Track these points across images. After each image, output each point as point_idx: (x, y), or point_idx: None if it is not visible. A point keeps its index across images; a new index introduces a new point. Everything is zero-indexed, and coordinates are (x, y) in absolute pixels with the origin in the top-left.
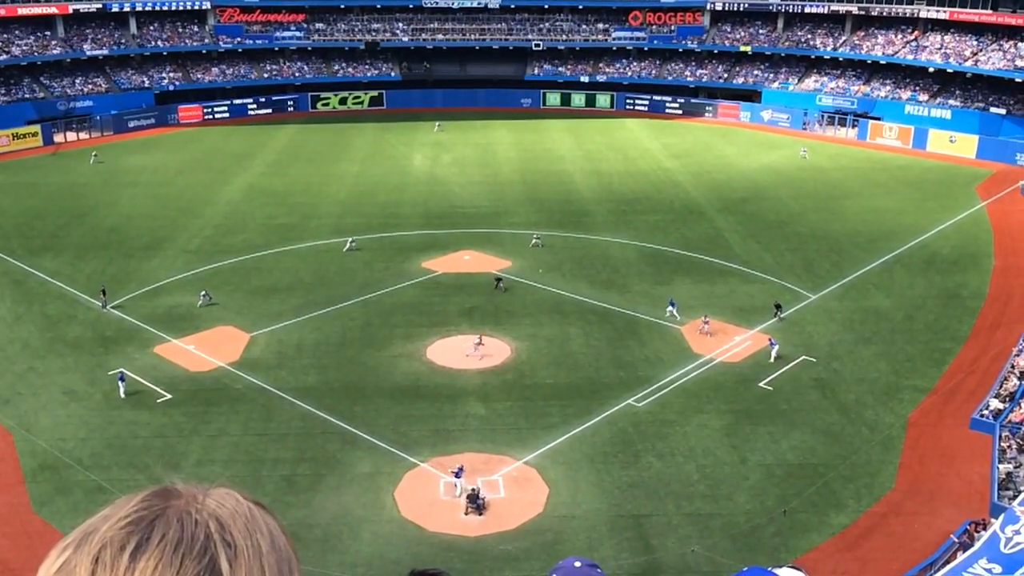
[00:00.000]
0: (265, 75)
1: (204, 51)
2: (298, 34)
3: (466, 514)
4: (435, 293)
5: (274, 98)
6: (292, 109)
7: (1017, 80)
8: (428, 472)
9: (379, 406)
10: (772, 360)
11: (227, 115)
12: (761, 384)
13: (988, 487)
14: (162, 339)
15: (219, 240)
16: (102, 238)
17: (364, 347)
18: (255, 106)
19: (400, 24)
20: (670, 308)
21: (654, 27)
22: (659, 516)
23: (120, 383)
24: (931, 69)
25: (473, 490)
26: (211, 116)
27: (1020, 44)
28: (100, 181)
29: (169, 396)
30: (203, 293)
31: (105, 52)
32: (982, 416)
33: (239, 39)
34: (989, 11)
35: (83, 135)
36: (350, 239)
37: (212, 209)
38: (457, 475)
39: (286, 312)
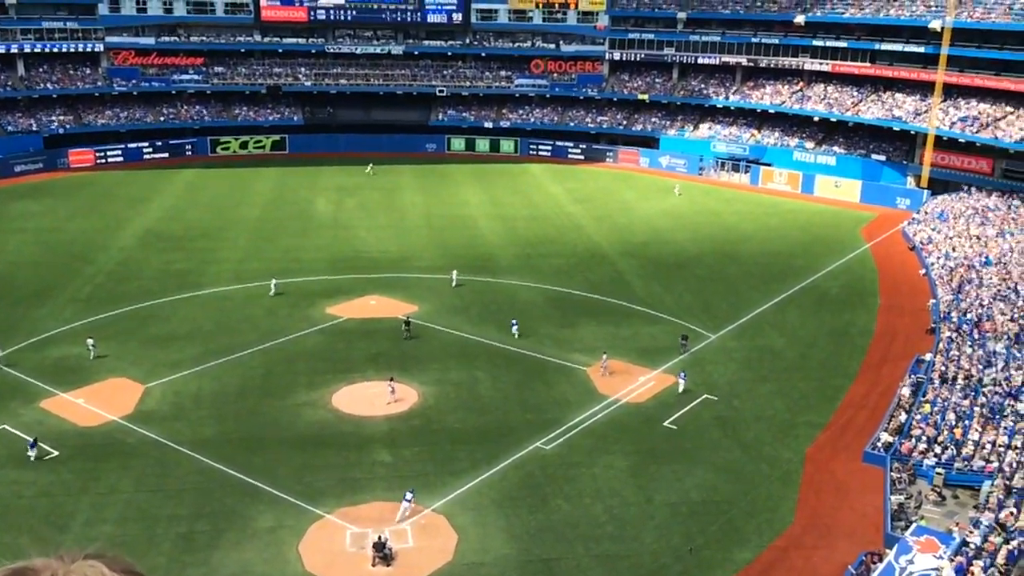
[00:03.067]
0: (162, 118)
1: (97, 94)
2: (196, 77)
3: (373, 565)
4: (340, 339)
5: (171, 142)
6: (190, 153)
7: (895, 129)
8: (334, 523)
9: (282, 457)
10: (681, 392)
11: (121, 159)
12: (665, 423)
13: (882, 518)
14: (49, 392)
15: (113, 287)
16: None
17: (266, 396)
18: (151, 150)
19: (303, 68)
20: (514, 326)
21: (555, 75)
22: (568, 559)
23: (30, 450)
24: (816, 118)
25: (380, 539)
26: (104, 160)
27: (897, 95)
28: None
29: (56, 452)
30: (90, 342)
31: None
32: (874, 450)
33: (134, 81)
34: (868, 64)
35: None
36: (273, 281)
37: (105, 255)
38: (407, 499)
39: (184, 362)
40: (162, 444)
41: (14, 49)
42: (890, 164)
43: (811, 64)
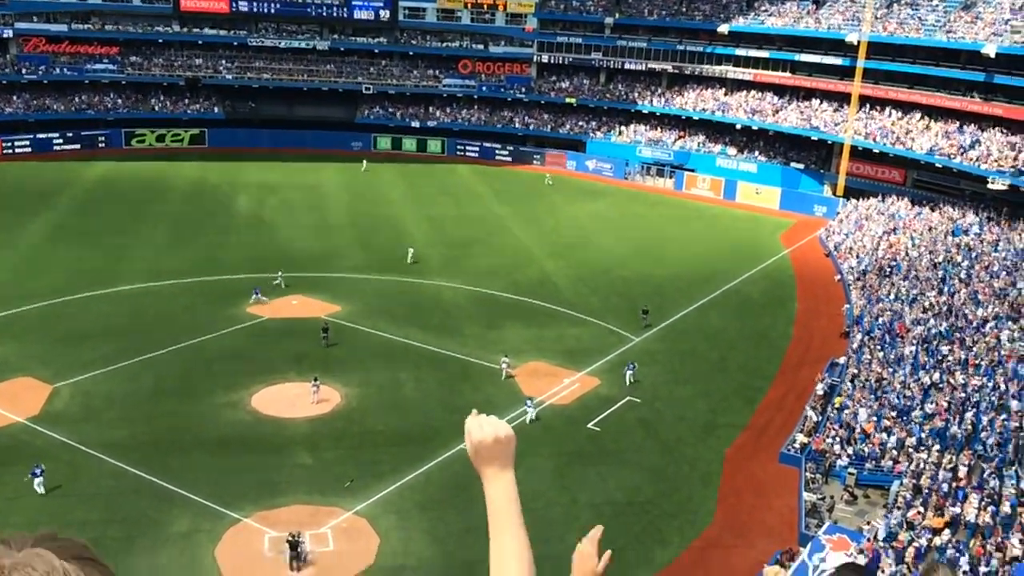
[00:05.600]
0: (73, 108)
1: (4, 81)
2: (111, 67)
3: (292, 569)
4: (261, 339)
5: (83, 133)
6: (104, 145)
7: (813, 138)
8: (252, 527)
9: (198, 460)
10: (628, 383)
11: (29, 150)
12: (589, 425)
13: (796, 518)
14: None
15: (19, 284)
16: None
17: (182, 397)
18: (62, 141)
19: (224, 61)
20: (255, 295)
21: (484, 76)
22: None
23: (36, 479)
24: (738, 126)
25: (291, 536)
26: (11, 151)
27: (815, 104)
28: None
29: None
30: None
31: None
32: (789, 450)
33: (44, 68)
34: (788, 74)
35: None
36: (255, 291)
37: (12, 252)
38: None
39: (95, 361)
40: (71, 447)
41: None
42: (808, 172)
43: (734, 72)
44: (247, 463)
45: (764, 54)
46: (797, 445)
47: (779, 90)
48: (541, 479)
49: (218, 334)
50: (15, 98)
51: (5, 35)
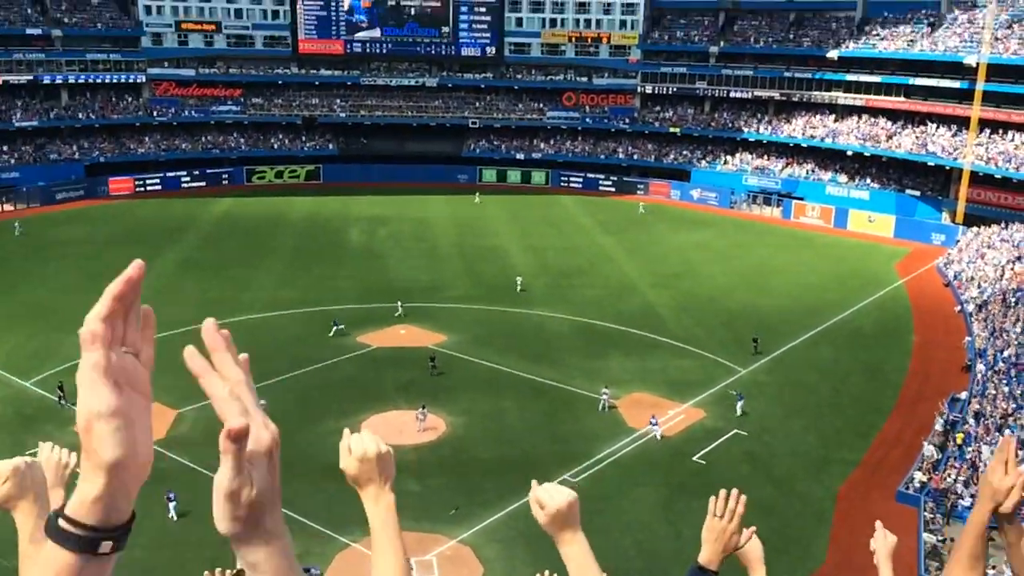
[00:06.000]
0: (200, 148)
1: (138, 123)
2: (235, 108)
3: None
4: (371, 368)
5: (208, 171)
6: (227, 182)
7: (929, 164)
8: (360, 552)
9: (311, 484)
10: (739, 414)
11: (160, 187)
12: (694, 458)
13: (915, 559)
14: None
15: None
16: (24, 312)
17: (296, 423)
18: (189, 179)
19: (338, 100)
20: (335, 326)
21: (587, 107)
22: None
23: (170, 503)
24: (849, 152)
25: None
26: (143, 188)
27: (931, 129)
28: (24, 253)
29: None
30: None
31: (35, 123)
32: (907, 488)
33: (174, 111)
34: (902, 99)
35: (7, 206)
36: (335, 323)
37: (143, 284)
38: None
39: None
40: (193, 469)
41: (59, 80)
42: (925, 199)
43: (844, 98)
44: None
45: (876, 79)
46: (916, 483)
47: (892, 115)
48: (646, 511)
49: (330, 362)
50: (147, 139)
51: (139, 80)
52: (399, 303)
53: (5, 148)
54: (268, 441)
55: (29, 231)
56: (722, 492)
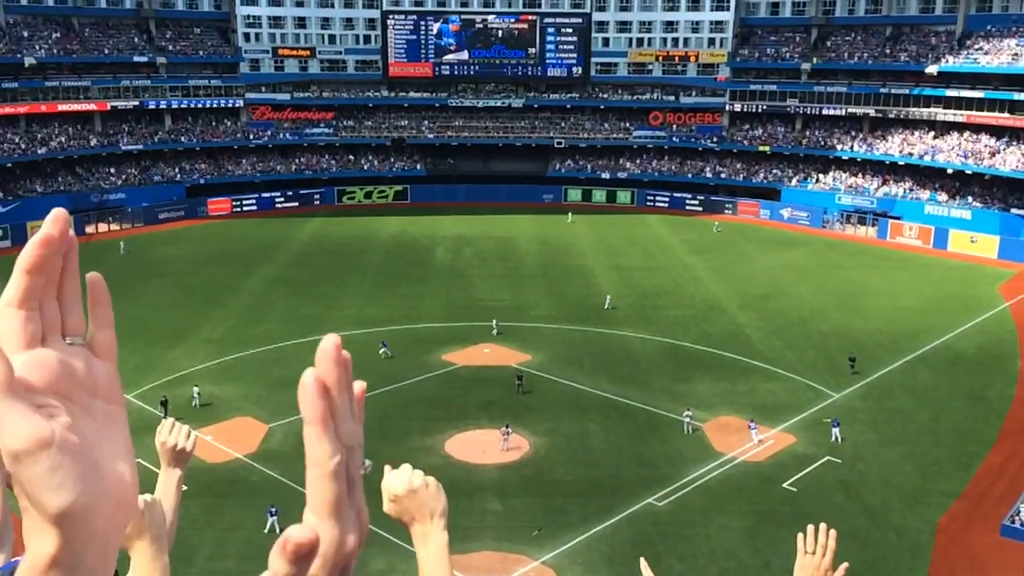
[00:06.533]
0: (293, 169)
1: (236, 146)
2: (327, 131)
3: None
4: (454, 386)
5: (301, 192)
6: (318, 202)
7: None
8: None
9: None
10: (834, 440)
11: (255, 208)
12: (784, 485)
13: None
14: None
15: (241, 331)
16: (127, 327)
17: (382, 440)
18: (283, 199)
19: (426, 122)
20: (384, 348)
21: (674, 126)
22: None
23: (271, 518)
24: (949, 170)
25: None
26: (240, 208)
27: None
28: (128, 272)
29: (185, 487)
30: (196, 390)
31: (140, 147)
32: (1013, 522)
33: (270, 134)
34: (1006, 114)
35: (114, 226)
36: (383, 345)
37: (236, 299)
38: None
39: None
40: (283, 484)
41: (163, 105)
42: None
43: (943, 115)
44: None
45: (978, 94)
46: (1022, 517)
47: (996, 131)
48: (732, 539)
49: (414, 380)
50: (244, 161)
51: (237, 105)
52: (494, 321)
53: (112, 171)
54: (351, 546)
55: (133, 250)
56: (810, 528)
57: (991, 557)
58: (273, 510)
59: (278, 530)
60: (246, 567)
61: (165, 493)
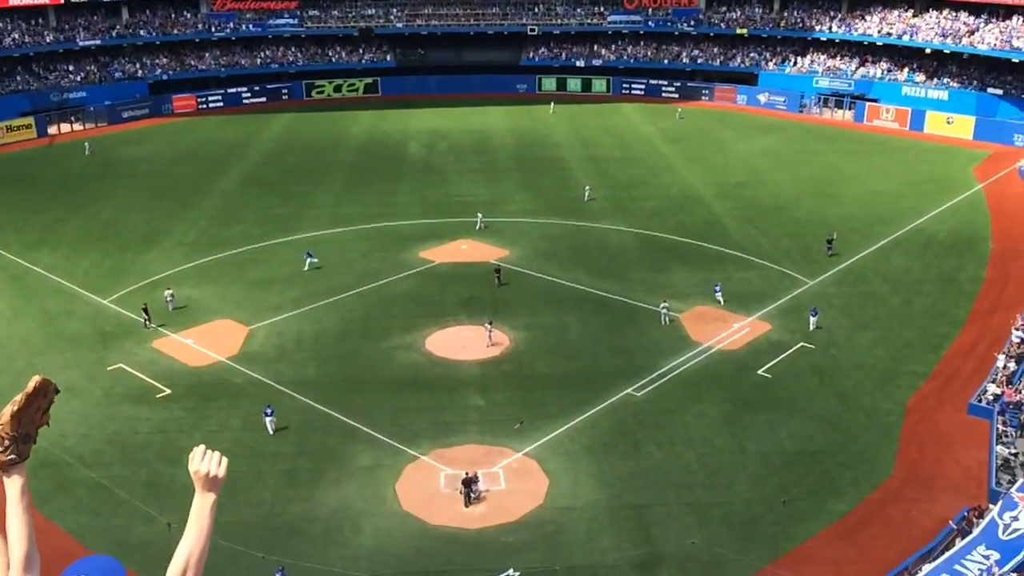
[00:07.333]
0: (259, 63)
1: (197, 39)
2: (292, 21)
3: (466, 506)
4: (433, 283)
5: (268, 86)
6: (287, 97)
7: (1014, 60)
8: (429, 464)
9: (378, 398)
10: (812, 329)
11: (221, 104)
12: (759, 372)
13: (986, 473)
14: (160, 334)
15: (215, 232)
16: (98, 231)
17: (363, 339)
18: (249, 95)
19: (394, 10)
20: (308, 257)
21: (650, 10)
22: (659, 506)
23: (267, 419)
24: (927, 50)
25: (467, 475)
26: (205, 105)
27: (1016, 23)
28: (95, 173)
29: (168, 391)
30: (168, 293)
31: (98, 42)
32: (980, 401)
33: (232, 26)
34: None
35: (77, 126)
36: (307, 255)
37: (207, 200)
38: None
39: (284, 304)
40: (266, 384)
41: None
42: (1008, 98)
43: None
44: (423, 403)
45: None
46: (989, 396)
47: (974, 8)
48: (709, 425)
49: (393, 278)
50: (207, 55)
51: None
52: (479, 215)
53: (71, 68)
54: None
55: (98, 150)
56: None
57: (958, 435)
58: (269, 410)
59: (273, 429)
60: (233, 466)
61: (199, 516)
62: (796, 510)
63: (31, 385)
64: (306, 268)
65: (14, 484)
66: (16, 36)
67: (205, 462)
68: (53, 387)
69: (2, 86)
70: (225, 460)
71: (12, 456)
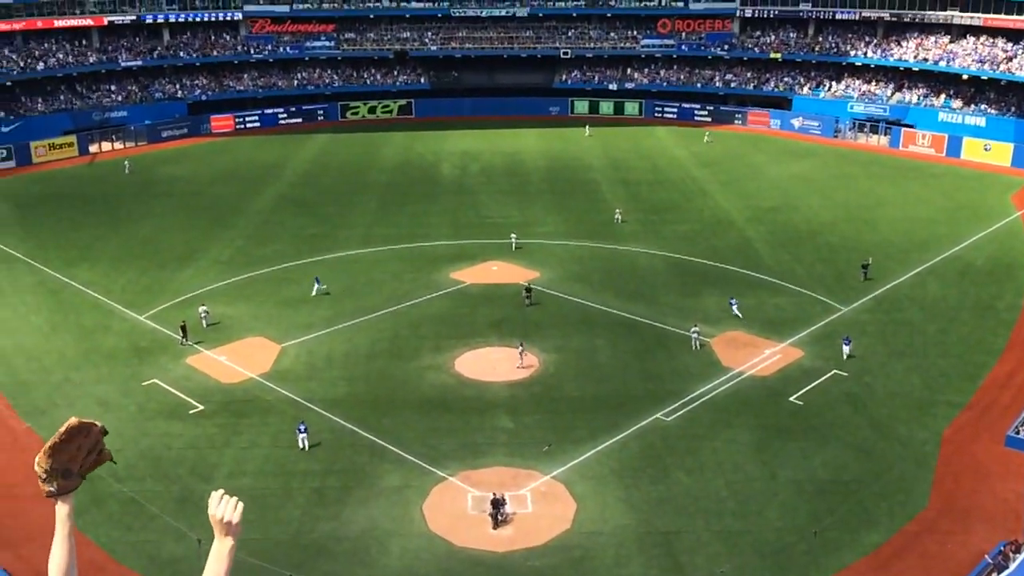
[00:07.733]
0: (295, 84)
1: (236, 61)
2: (328, 43)
3: (494, 528)
4: (463, 304)
5: (304, 107)
6: (322, 118)
7: None
8: (456, 486)
9: (407, 419)
10: (846, 358)
11: (258, 124)
12: (791, 399)
13: (1023, 506)
14: (194, 350)
15: (251, 251)
16: (137, 248)
17: (393, 359)
18: (285, 115)
19: (429, 33)
20: (316, 284)
21: (683, 34)
22: (688, 533)
23: (301, 435)
24: (964, 76)
25: (495, 496)
26: (243, 126)
27: None
28: (134, 191)
29: (201, 407)
30: (202, 310)
31: (139, 63)
32: (1018, 433)
33: (270, 48)
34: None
35: (117, 145)
36: (316, 281)
37: (243, 220)
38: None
39: (316, 323)
40: (297, 402)
41: (160, 19)
42: None
43: (960, 18)
44: (451, 424)
45: None
46: None
47: (1012, 35)
48: (739, 452)
49: (424, 299)
50: (245, 76)
51: (235, 17)
52: (513, 236)
53: (112, 88)
54: None
55: (137, 169)
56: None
57: (995, 466)
58: (303, 427)
59: (307, 445)
60: (264, 484)
61: (216, 560)
62: (828, 540)
63: (63, 428)
64: (314, 294)
65: (59, 513)
66: (60, 56)
67: (221, 507)
68: (98, 428)
69: (46, 105)
70: (241, 505)
71: (51, 488)
